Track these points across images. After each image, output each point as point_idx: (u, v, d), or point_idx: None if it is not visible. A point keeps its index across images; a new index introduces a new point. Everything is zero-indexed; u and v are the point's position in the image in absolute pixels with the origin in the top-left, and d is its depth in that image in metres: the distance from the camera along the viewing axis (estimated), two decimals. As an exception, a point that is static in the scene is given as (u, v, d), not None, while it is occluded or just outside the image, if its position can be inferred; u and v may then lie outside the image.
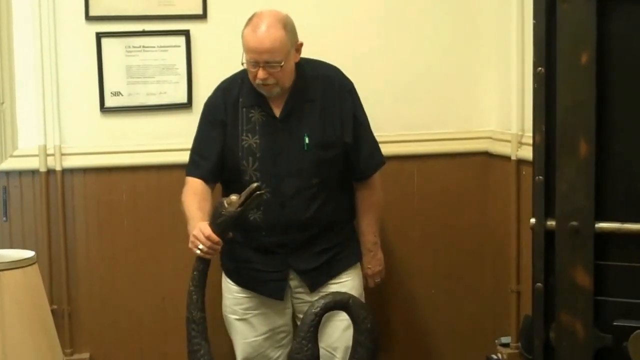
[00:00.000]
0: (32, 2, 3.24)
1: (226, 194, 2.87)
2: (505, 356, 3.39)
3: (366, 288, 3.13)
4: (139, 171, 3.40)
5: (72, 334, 3.39)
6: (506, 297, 3.45)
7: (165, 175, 3.37)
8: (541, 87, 1.92)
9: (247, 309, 3.01)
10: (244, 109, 2.94)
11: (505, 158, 3.42)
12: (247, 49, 2.81)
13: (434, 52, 3.57)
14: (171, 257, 3.37)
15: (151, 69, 3.37)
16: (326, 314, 2.58)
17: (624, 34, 1.86)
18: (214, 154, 2.95)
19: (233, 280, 3.03)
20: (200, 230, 2.70)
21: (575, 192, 1.88)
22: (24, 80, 3.29)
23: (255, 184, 2.67)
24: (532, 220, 1.95)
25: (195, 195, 2.90)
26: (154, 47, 3.37)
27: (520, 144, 3.35)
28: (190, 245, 2.74)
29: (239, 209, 2.65)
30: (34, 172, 3.32)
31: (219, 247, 2.72)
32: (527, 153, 3.14)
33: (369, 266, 3.13)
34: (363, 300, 2.93)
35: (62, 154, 3.32)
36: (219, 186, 3.04)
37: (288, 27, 2.82)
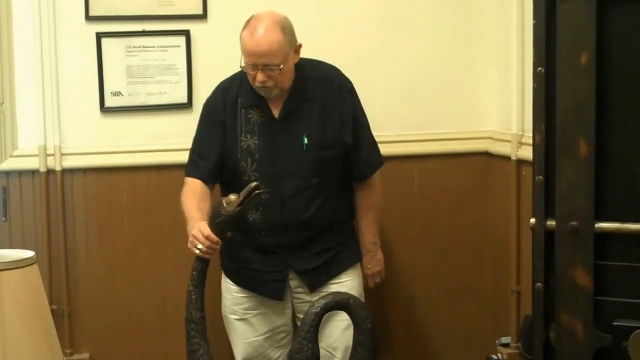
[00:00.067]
0: (32, 2, 3.24)
1: (225, 194, 2.86)
2: (505, 356, 3.39)
3: (366, 288, 3.13)
4: (139, 171, 3.40)
5: (72, 334, 3.39)
6: (506, 297, 3.45)
7: (165, 175, 3.37)
8: (541, 87, 1.92)
9: (246, 309, 3.01)
10: (243, 110, 2.94)
11: (505, 158, 3.42)
12: (246, 53, 2.80)
13: (434, 52, 3.57)
14: (171, 257, 3.37)
15: (151, 69, 3.37)
16: (326, 314, 2.58)
17: (624, 34, 1.86)
18: (213, 154, 2.95)
19: (232, 280, 3.03)
20: (199, 229, 2.70)
21: (575, 192, 1.88)
22: (24, 80, 3.29)
23: (254, 183, 2.67)
24: (532, 220, 1.95)
25: (194, 196, 2.90)
26: (154, 47, 3.37)
27: (520, 144, 3.35)
28: (189, 245, 2.74)
29: (238, 208, 2.66)
30: (33, 172, 3.32)
31: (218, 247, 2.72)
32: (527, 153, 3.14)
33: (369, 266, 3.13)
34: (363, 300, 2.92)
35: (62, 154, 3.32)
36: (218, 186, 3.04)
37: (286, 29, 2.81)
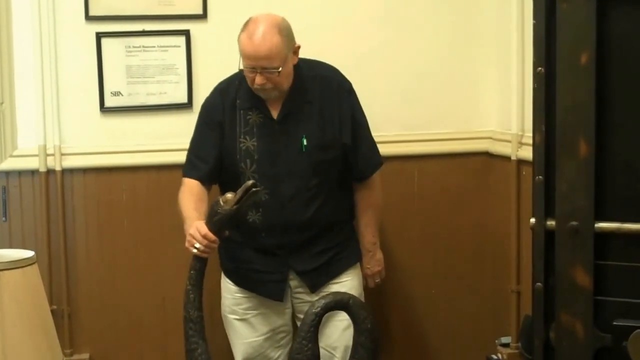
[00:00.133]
0: (32, 2, 3.24)
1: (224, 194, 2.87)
2: (505, 356, 3.40)
3: (366, 288, 3.13)
4: (139, 171, 3.40)
5: (72, 334, 3.39)
6: (506, 297, 3.45)
7: (165, 175, 3.37)
8: (541, 87, 1.92)
9: (246, 309, 3.01)
10: (242, 111, 2.93)
11: (506, 158, 3.42)
12: (244, 56, 2.80)
13: (434, 52, 3.57)
14: (171, 257, 3.37)
15: (151, 69, 3.37)
16: (326, 314, 2.58)
17: (624, 34, 1.86)
18: (212, 156, 2.95)
19: (232, 281, 3.03)
20: (196, 229, 2.70)
21: (575, 192, 1.88)
22: (23, 80, 3.29)
23: (250, 182, 2.67)
24: (532, 220, 1.95)
25: (191, 196, 2.90)
26: (154, 47, 3.37)
27: (521, 144, 3.35)
28: (186, 244, 2.74)
29: (235, 206, 2.66)
30: (33, 172, 3.32)
31: (215, 246, 2.72)
32: (527, 153, 3.14)
33: (368, 266, 3.13)
34: (363, 300, 2.92)
35: (62, 154, 3.32)
36: (216, 186, 3.04)
37: (284, 31, 2.80)
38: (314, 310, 2.54)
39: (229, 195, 2.68)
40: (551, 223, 1.92)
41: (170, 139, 3.37)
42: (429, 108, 3.59)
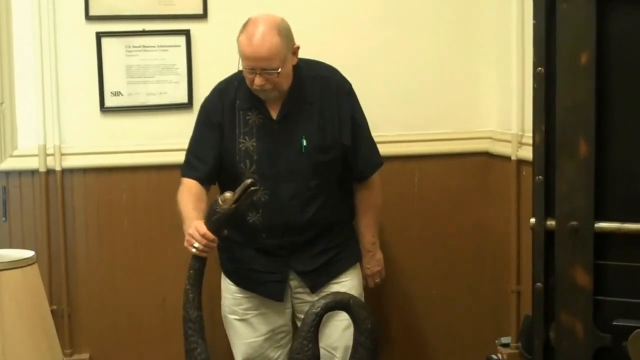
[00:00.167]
0: (32, 2, 3.24)
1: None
2: (505, 356, 3.39)
3: (366, 288, 3.13)
4: (139, 171, 3.40)
5: (72, 334, 3.39)
6: (506, 297, 3.45)
7: (165, 175, 3.37)
8: (541, 87, 1.92)
9: (246, 309, 3.01)
10: (241, 112, 2.93)
11: (506, 158, 3.42)
12: (243, 57, 2.79)
13: (434, 52, 3.57)
14: (171, 257, 3.37)
15: (151, 69, 3.37)
16: (326, 314, 2.58)
17: (624, 34, 1.86)
18: (211, 157, 2.95)
19: (232, 281, 3.03)
20: (195, 228, 2.70)
21: (575, 192, 1.88)
22: (23, 80, 3.29)
23: (249, 180, 2.66)
24: (532, 220, 1.95)
25: (190, 196, 2.90)
26: (154, 46, 3.37)
27: (521, 144, 3.35)
28: (185, 243, 2.74)
29: (233, 205, 2.65)
30: (33, 172, 3.32)
31: (214, 245, 2.72)
32: (527, 153, 3.14)
33: (368, 266, 3.13)
34: (363, 300, 2.92)
35: (62, 154, 3.32)
36: (215, 186, 3.03)
37: (283, 32, 2.80)
38: (314, 310, 2.54)
39: (228, 194, 2.68)
40: (551, 223, 1.92)
41: (170, 139, 3.36)
42: (429, 108, 3.59)
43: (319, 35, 3.37)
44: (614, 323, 1.88)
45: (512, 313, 3.42)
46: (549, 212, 1.92)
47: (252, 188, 2.65)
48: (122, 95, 3.36)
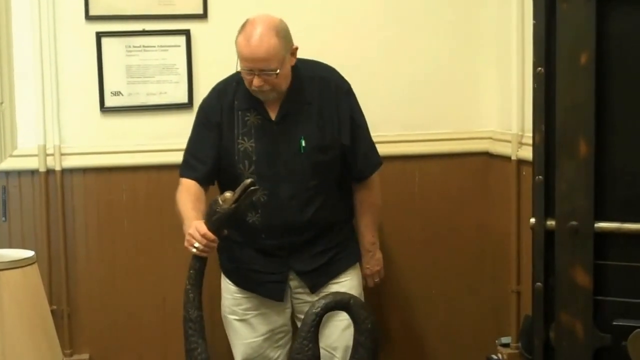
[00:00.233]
0: (32, 2, 3.24)
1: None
2: (505, 356, 3.39)
3: (365, 288, 3.13)
4: (139, 171, 3.40)
5: (72, 334, 3.39)
6: (506, 297, 3.45)
7: (165, 175, 3.36)
8: (541, 87, 1.92)
9: (246, 309, 3.01)
10: (240, 112, 2.93)
11: (506, 158, 3.42)
12: (242, 58, 2.79)
13: (434, 52, 3.57)
14: (171, 257, 3.37)
15: (151, 69, 3.37)
16: (326, 314, 2.58)
17: (623, 34, 1.86)
18: (210, 158, 2.94)
19: (232, 281, 3.03)
20: (195, 228, 2.70)
21: (574, 192, 1.88)
22: (23, 79, 3.29)
23: (249, 180, 2.66)
24: (532, 220, 1.95)
25: (189, 196, 2.90)
26: (154, 46, 3.37)
27: (521, 144, 3.35)
28: (185, 244, 2.74)
29: (233, 205, 2.65)
30: (33, 172, 3.32)
31: (214, 245, 2.72)
32: (527, 153, 3.14)
33: (368, 266, 3.13)
34: (362, 300, 2.92)
35: (62, 154, 3.32)
36: (213, 186, 3.03)
37: (281, 33, 2.79)
38: (314, 310, 2.54)
39: (228, 194, 2.68)
40: (551, 223, 1.92)
41: (170, 139, 3.36)
42: (429, 108, 3.59)
43: (319, 35, 3.37)
44: (614, 323, 1.88)
45: (512, 313, 3.42)
46: (549, 212, 1.92)
47: (252, 188, 2.65)
48: (122, 95, 3.36)
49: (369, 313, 2.57)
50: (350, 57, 3.38)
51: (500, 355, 3.42)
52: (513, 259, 3.38)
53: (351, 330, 2.61)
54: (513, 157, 3.36)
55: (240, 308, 3.01)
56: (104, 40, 3.32)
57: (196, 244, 2.70)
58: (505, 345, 3.44)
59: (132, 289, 3.43)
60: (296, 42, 2.87)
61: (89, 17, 3.31)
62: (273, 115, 2.91)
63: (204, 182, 2.96)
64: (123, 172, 3.39)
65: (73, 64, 3.33)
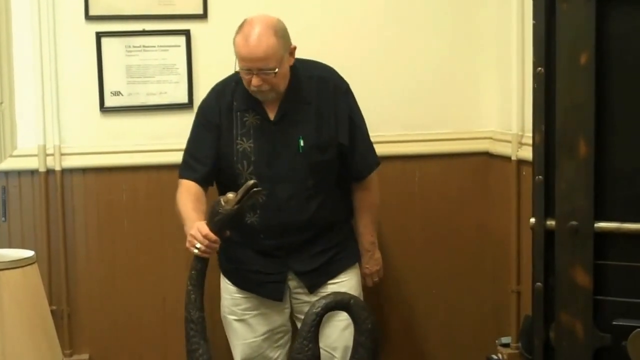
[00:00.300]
0: (32, 2, 3.24)
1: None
2: (505, 356, 3.39)
3: (365, 288, 3.13)
4: (139, 171, 3.40)
5: (72, 334, 3.39)
6: (506, 297, 3.45)
7: (165, 175, 3.36)
8: (541, 87, 1.92)
9: (245, 309, 3.01)
10: (238, 113, 2.93)
11: (506, 158, 3.42)
12: (240, 58, 2.79)
13: (434, 52, 3.56)
14: (171, 257, 3.37)
15: (151, 69, 3.37)
16: (326, 315, 2.58)
17: (623, 34, 1.86)
18: (209, 158, 2.94)
19: (231, 281, 3.03)
20: (197, 229, 2.70)
21: (574, 192, 1.88)
22: (23, 79, 3.29)
23: (251, 182, 2.66)
24: (532, 220, 1.95)
25: (189, 196, 2.89)
26: (154, 46, 3.37)
27: (521, 144, 3.35)
28: (187, 244, 2.73)
29: (236, 206, 2.65)
30: (33, 172, 3.32)
31: (216, 246, 2.72)
32: (527, 153, 3.14)
33: (367, 266, 3.13)
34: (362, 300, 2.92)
35: (62, 154, 3.32)
36: (213, 186, 3.03)
37: (280, 32, 2.79)
38: (314, 310, 2.54)
39: (230, 195, 2.68)
40: (551, 223, 1.92)
41: (170, 139, 3.36)
42: (429, 108, 3.59)
43: (319, 35, 3.37)
44: (614, 323, 1.88)
45: (512, 313, 3.42)
46: (549, 212, 1.92)
47: (255, 189, 2.64)
48: (122, 95, 3.36)
49: (369, 313, 2.57)
50: (350, 57, 3.38)
51: (500, 355, 3.42)
52: (513, 259, 3.38)
53: (351, 330, 2.61)
54: (513, 157, 3.36)
55: (240, 308, 3.01)
56: (104, 40, 3.32)
57: (198, 245, 2.69)
58: (506, 345, 3.44)
59: (132, 289, 3.43)
60: (295, 42, 2.87)
61: (88, 17, 3.31)
62: (272, 116, 2.91)
63: (204, 182, 2.96)
64: (123, 172, 3.39)
65: (73, 64, 3.33)
